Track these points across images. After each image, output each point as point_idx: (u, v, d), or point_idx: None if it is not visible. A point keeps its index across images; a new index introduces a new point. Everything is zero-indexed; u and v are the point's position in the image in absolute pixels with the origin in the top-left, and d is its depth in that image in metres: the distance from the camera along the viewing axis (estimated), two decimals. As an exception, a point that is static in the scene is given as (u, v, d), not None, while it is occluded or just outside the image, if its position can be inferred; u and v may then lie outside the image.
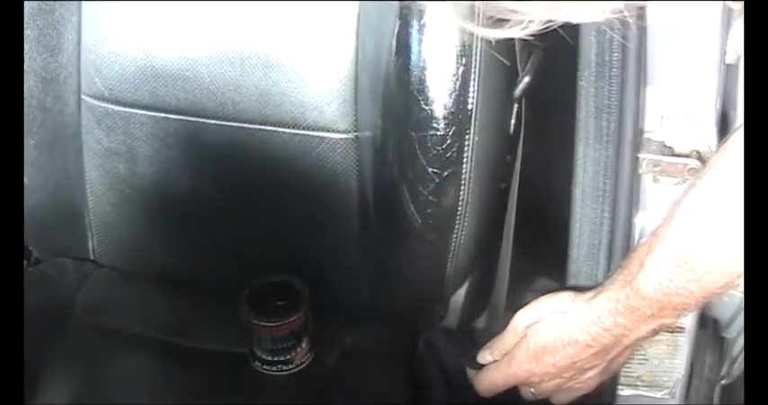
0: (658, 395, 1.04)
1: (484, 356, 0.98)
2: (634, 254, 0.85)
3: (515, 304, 0.98)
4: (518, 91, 0.95)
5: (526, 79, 0.94)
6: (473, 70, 0.89)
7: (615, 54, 0.83)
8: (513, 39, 0.60)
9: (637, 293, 0.82)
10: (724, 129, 0.89)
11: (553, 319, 0.90)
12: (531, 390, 0.96)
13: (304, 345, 1.06)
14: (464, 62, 0.89)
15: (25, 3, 1.01)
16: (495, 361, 0.96)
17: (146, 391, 1.04)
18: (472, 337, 1.06)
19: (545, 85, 0.96)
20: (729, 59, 0.85)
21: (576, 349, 0.88)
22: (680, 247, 0.79)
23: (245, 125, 1.04)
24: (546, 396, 0.96)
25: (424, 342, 1.08)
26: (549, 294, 0.93)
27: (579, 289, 0.92)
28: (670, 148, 0.89)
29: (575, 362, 0.90)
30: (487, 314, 1.22)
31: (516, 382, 0.95)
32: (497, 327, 1.00)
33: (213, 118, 1.05)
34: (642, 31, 0.82)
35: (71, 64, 1.08)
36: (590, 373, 0.92)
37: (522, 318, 0.93)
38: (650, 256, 0.81)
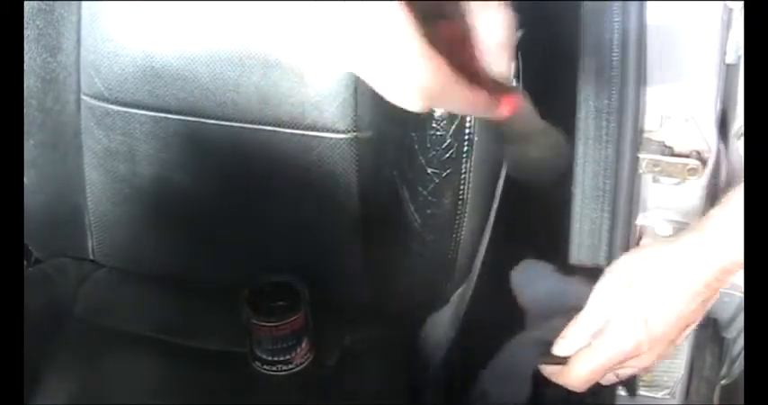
0: (658, 395, 1.04)
1: (565, 348, 0.84)
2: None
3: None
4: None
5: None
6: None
7: (615, 54, 0.83)
8: None
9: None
10: (724, 129, 0.89)
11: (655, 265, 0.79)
12: (618, 372, 0.85)
13: (304, 345, 1.06)
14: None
15: (25, 3, 1.01)
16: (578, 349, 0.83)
17: (145, 391, 1.04)
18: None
19: (545, 86, 0.96)
20: (729, 59, 0.84)
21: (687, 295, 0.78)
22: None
23: (245, 125, 1.04)
24: (631, 377, 0.88)
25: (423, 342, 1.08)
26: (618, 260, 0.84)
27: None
28: (670, 148, 0.89)
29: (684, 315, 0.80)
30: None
31: (620, 361, 0.82)
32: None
33: (213, 118, 1.05)
34: (642, 30, 0.82)
35: (71, 64, 1.08)
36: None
37: (603, 289, 0.82)
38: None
